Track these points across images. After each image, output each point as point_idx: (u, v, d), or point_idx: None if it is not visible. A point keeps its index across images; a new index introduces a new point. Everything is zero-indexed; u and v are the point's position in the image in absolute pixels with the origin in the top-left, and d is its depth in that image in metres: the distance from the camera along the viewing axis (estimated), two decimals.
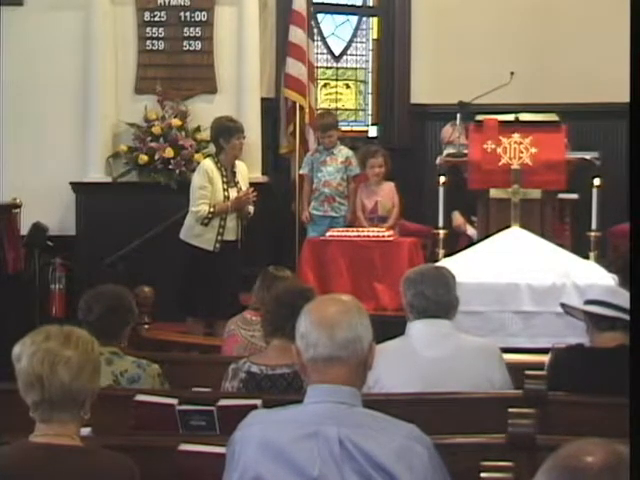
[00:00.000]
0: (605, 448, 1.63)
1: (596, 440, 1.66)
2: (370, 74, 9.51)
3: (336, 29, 9.47)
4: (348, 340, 2.48)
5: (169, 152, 7.75)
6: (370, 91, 9.52)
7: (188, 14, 8.06)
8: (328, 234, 6.99)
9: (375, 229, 6.99)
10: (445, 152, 6.90)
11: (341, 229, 7.11)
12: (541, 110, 7.12)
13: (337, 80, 9.53)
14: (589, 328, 3.79)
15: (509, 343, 5.31)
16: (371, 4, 9.47)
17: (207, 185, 6.70)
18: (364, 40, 9.51)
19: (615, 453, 1.63)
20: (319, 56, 9.16)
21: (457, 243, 7.09)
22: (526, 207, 6.35)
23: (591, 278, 5.65)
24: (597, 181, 6.24)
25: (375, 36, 9.43)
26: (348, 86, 9.57)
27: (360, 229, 7.04)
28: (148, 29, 8.07)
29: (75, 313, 4.16)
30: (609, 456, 1.62)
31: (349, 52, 9.48)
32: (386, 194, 7.39)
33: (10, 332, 3.08)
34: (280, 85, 8.44)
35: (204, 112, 7.75)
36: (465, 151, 6.72)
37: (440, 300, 3.80)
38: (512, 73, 7.26)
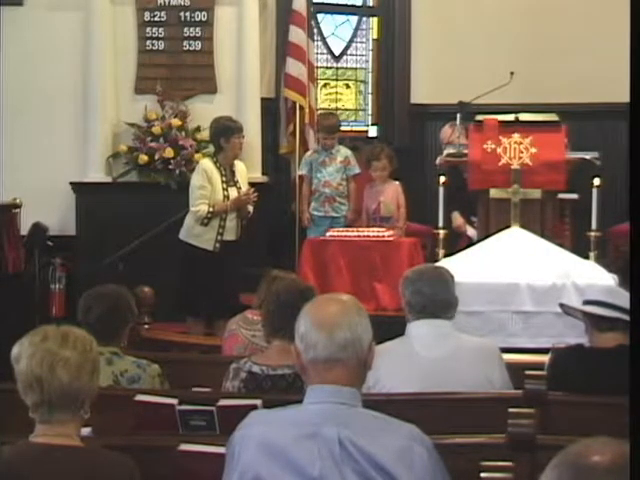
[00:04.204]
0: (614, 448, 1.63)
1: (605, 439, 1.65)
2: (370, 74, 9.51)
3: (336, 29, 9.47)
4: (348, 341, 2.47)
5: (169, 152, 7.76)
6: (370, 91, 9.52)
7: (188, 14, 8.06)
8: (328, 234, 6.99)
9: (375, 229, 6.98)
10: (445, 152, 6.89)
11: (341, 229, 7.11)
12: (541, 110, 7.12)
13: (337, 80, 9.53)
14: (588, 328, 3.79)
15: (509, 343, 5.31)
16: (371, 4, 9.47)
17: (206, 185, 6.71)
18: (364, 40, 9.51)
19: (623, 454, 1.62)
20: (319, 56, 9.16)
21: (457, 243, 7.09)
22: (526, 207, 6.35)
23: (591, 278, 5.65)
24: (597, 181, 6.24)
25: (375, 36, 9.43)
26: (348, 86, 9.57)
27: (360, 229, 7.03)
28: (148, 29, 8.07)
29: (75, 313, 4.16)
30: (617, 457, 1.61)
31: (349, 52, 9.49)
32: (390, 195, 7.36)
33: (10, 332, 3.07)
34: (280, 85, 8.43)
35: (204, 112, 7.75)
36: (465, 151, 6.72)
37: (438, 298, 3.80)
38: (512, 73, 7.26)
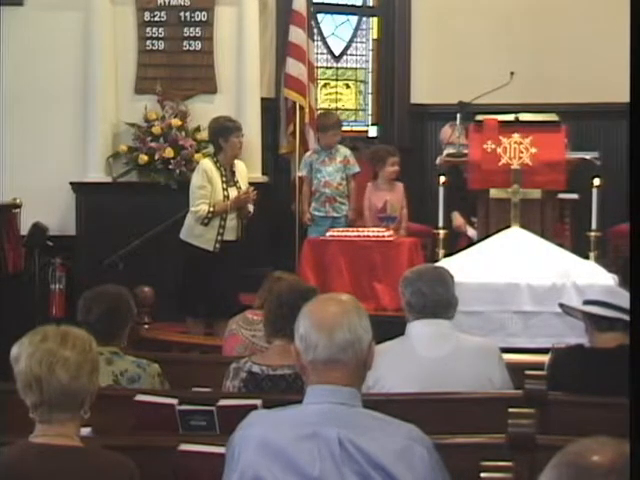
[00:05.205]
0: (613, 448, 1.63)
1: (604, 439, 1.65)
2: (370, 74, 9.51)
3: (336, 29, 9.47)
4: (348, 342, 2.47)
5: (169, 152, 7.75)
6: (370, 91, 9.52)
7: (188, 14, 8.06)
8: (328, 234, 6.98)
9: (375, 229, 6.98)
10: (445, 152, 6.90)
11: (341, 229, 7.10)
12: (541, 110, 7.12)
13: (337, 80, 9.53)
14: (588, 328, 3.79)
15: (509, 343, 5.31)
16: (371, 4, 9.47)
17: (206, 185, 6.71)
18: (364, 40, 9.51)
19: (623, 453, 1.62)
20: (319, 56, 9.16)
21: (457, 243, 7.09)
22: (526, 207, 6.35)
23: (591, 278, 5.65)
24: (597, 181, 6.24)
25: (375, 36, 9.43)
26: (348, 86, 9.57)
27: (360, 229, 7.03)
28: (148, 29, 8.07)
29: (75, 313, 4.16)
30: (616, 457, 1.61)
31: (349, 52, 9.48)
32: (396, 194, 7.38)
33: (10, 332, 3.07)
34: (280, 85, 8.43)
35: (204, 112, 7.74)
36: (465, 151, 6.72)
37: (438, 298, 3.80)
38: (512, 73, 7.26)
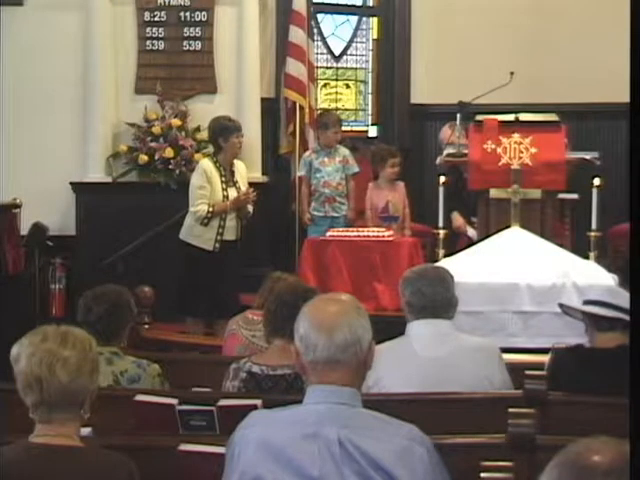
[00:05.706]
0: (614, 448, 1.63)
1: (605, 439, 1.65)
2: (370, 74, 9.51)
3: (336, 29, 9.47)
4: (348, 342, 2.47)
5: (169, 152, 7.76)
6: (370, 91, 9.52)
7: (188, 14, 8.07)
8: (328, 234, 6.97)
9: (375, 229, 6.97)
10: (445, 152, 6.89)
11: (341, 229, 7.10)
12: (541, 110, 7.12)
13: (337, 80, 9.53)
14: (588, 328, 3.79)
15: (509, 343, 5.31)
16: (371, 4, 9.47)
17: (206, 185, 6.71)
18: (364, 40, 9.51)
19: (623, 453, 1.62)
20: (319, 56, 9.16)
21: (457, 243, 7.09)
22: (526, 207, 6.35)
23: (591, 278, 5.65)
24: (597, 181, 6.24)
25: (375, 36, 9.43)
26: (348, 86, 9.57)
27: (360, 229, 7.02)
28: (148, 29, 8.07)
29: (75, 313, 4.16)
30: (617, 457, 1.61)
31: (349, 52, 9.48)
32: (397, 194, 7.37)
33: (10, 332, 3.07)
34: (280, 85, 8.43)
35: (204, 112, 7.75)
36: (465, 151, 6.72)
37: (438, 298, 3.79)
38: (512, 73, 7.25)
